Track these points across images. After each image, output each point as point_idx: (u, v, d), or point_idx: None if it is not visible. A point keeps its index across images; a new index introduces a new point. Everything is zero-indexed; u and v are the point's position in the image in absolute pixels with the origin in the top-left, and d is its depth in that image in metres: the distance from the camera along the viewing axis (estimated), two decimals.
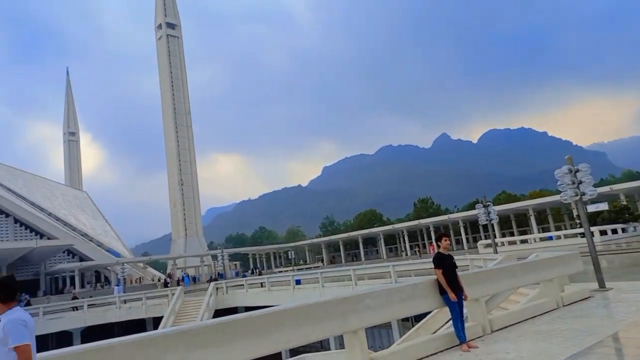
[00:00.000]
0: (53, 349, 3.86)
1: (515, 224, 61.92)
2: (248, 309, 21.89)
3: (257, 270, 67.67)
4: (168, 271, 71.96)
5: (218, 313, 28.54)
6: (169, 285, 50.53)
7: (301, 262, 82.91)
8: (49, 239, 64.22)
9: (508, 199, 79.21)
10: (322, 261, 76.10)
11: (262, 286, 30.15)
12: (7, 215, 65.11)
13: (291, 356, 12.13)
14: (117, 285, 51.06)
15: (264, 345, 4.62)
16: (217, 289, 31.29)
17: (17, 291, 3.46)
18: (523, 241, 43.88)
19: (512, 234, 59.63)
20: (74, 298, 41.29)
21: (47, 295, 52.88)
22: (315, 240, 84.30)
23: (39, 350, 3.42)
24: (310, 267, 64.60)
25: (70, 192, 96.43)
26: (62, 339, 31.37)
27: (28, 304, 41.86)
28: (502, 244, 44.02)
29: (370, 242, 77.57)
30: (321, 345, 23.54)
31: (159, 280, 57.46)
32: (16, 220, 65.36)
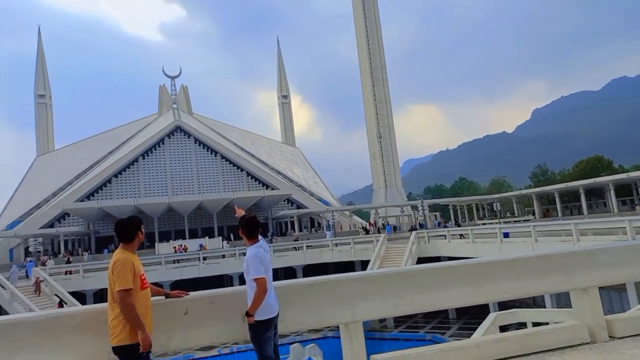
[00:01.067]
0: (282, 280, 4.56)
1: None
2: (451, 259, 21.82)
3: (457, 222, 66.25)
4: (371, 220, 76.67)
5: (420, 261, 29.20)
6: (369, 232, 53.81)
7: (507, 214, 77.49)
8: (272, 189, 75.41)
9: None
10: (533, 214, 69.51)
11: (461, 237, 29.46)
12: (242, 170, 78.77)
13: (499, 310, 11.69)
14: (328, 230, 57.07)
15: (475, 295, 4.54)
16: (418, 238, 31.91)
17: (259, 229, 4.16)
18: None
19: None
20: (296, 240, 47.88)
21: (275, 236, 62.62)
22: (524, 192, 77.22)
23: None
24: (519, 220, 59.89)
25: (286, 148, 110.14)
26: (288, 273, 37.06)
27: None
28: None
29: (595, 193, 66.93)
30: (534, 302, 21.98)
31: (362, 228, 61.58)
32: (248, 174, 78.56)
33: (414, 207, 64.67)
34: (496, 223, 45.14)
